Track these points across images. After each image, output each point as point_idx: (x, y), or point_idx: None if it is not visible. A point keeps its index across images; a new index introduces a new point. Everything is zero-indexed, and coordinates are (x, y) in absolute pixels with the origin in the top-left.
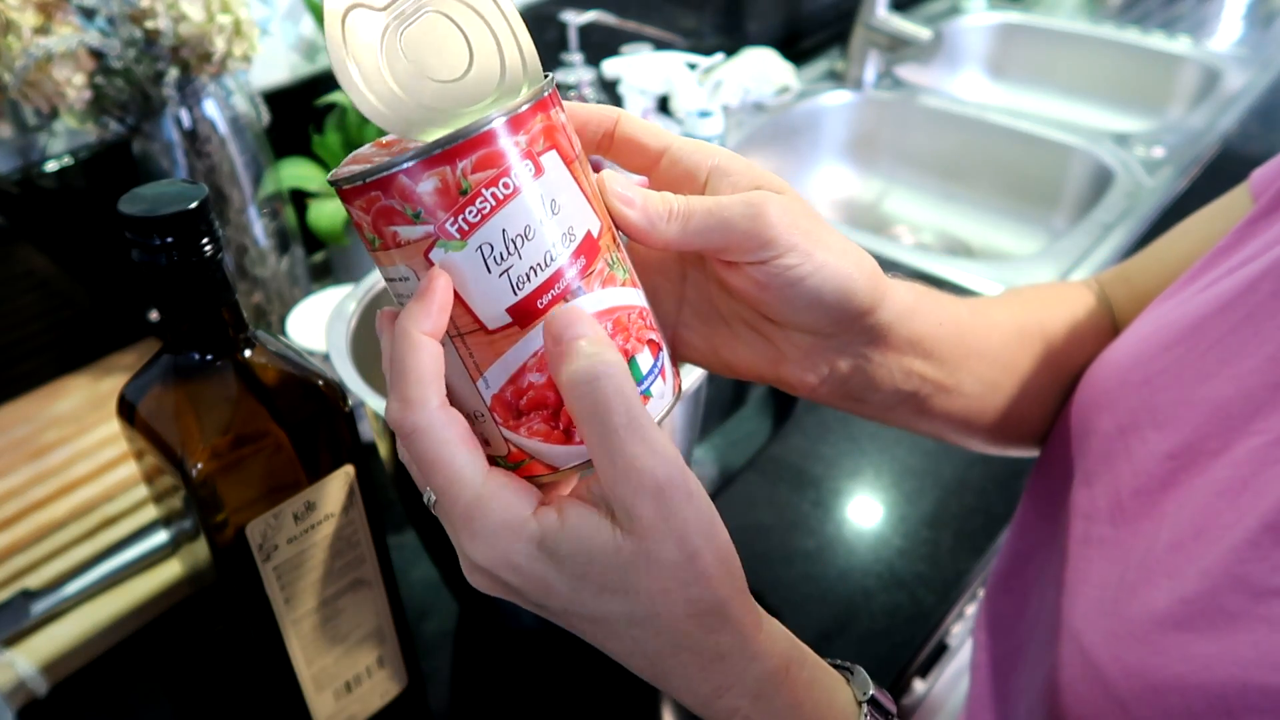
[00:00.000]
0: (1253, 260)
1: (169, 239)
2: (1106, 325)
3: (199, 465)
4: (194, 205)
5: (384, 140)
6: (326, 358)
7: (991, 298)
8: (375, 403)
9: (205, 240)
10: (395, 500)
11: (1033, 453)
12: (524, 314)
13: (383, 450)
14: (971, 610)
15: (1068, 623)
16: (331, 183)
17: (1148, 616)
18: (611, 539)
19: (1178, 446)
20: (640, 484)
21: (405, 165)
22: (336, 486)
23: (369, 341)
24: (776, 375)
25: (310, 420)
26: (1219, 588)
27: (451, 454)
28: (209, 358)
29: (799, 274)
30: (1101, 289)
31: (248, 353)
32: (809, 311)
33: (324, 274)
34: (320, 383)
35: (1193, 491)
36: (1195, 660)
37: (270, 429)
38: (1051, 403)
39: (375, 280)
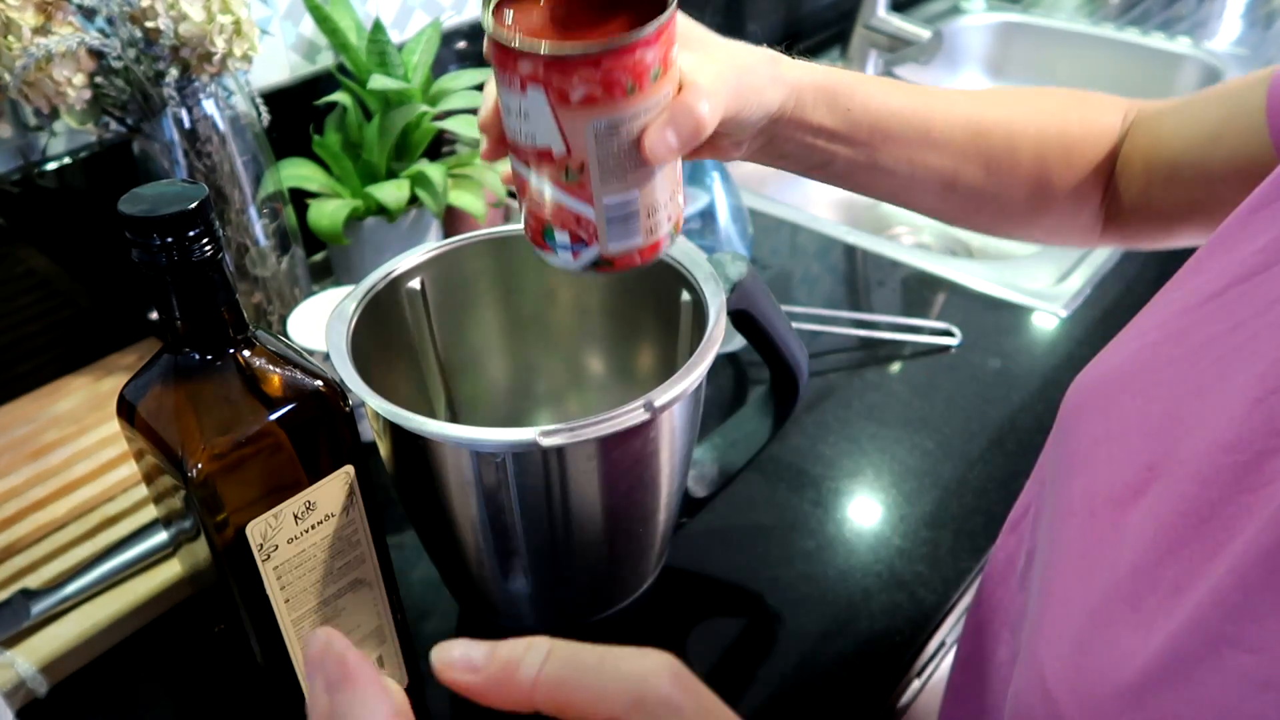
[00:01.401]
0: (1268, 267)
1: (169, 239)
2: (1101, 147)
3: (199, 465)
4: (194, 205)
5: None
6: (327, 358)
7: (972, 92)
8: (375, 403)
9: (205, 240)
10: (395, 500)
11: (1037, 237)
12: None
13: (383, 450)
14: None
15: (1034, 650)
16: (650, 32)
17: (1110, 660)
18: None
19: (1158, 456)
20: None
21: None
22: (336, 486)
23: (369, 341)
24: (699, 156)
25: (310, 420)
26: (1181, 634)
27: None
28: (209, 358)
29: (733, 119)
30: (1131, 118)
31: (247, 353)
32: (738, 131)
33: (324, 274)
34: (320, 383)
35: (1158, 504)
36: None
37: (270, 429)
38: (1032, 197)
39: (375, 280)
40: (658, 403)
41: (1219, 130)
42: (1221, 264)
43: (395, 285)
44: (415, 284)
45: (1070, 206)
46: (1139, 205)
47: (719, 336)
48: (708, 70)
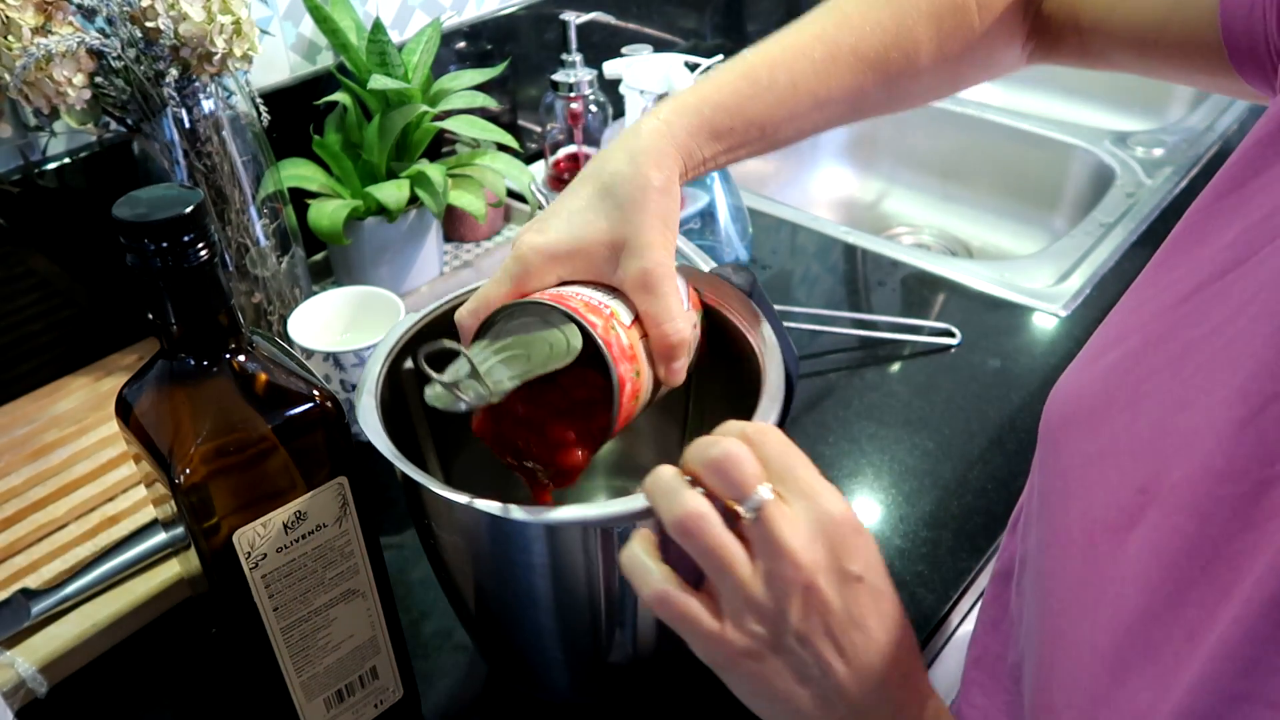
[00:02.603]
0: (1239, 264)
1: (163, 244)
2: (1000, 8)
3: (186, 471)
4: (188, 210)
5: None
6: (328, 358)
7: (852, 12)
8: (443, 491)
9: (200, 245)
10: (393, 502)
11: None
12: None
13: (419, 526)
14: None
15: (1048, 698)
16: (615, 394)
17: (1130, 715)
18: None
19: (1149, 478)
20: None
21: None
22: (329, 497)
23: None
24: None
25: (304, 427)
26: (1199, 689)
27: None
28: (204, 363)
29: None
30: None
31: (242, 358)
32: None
33: (324, 274)
34: (315, 390)
35: (1157, 536)
36: None
37: (262, 436)
38: (943, 81)
39: (391, 344)
40: None
41: (1163, 21)
42: (1193, 259)
43: (395, 366)
44: (409, 364)
45: (984, 68)
46: (1072, 52)
47: (779, 399)
48: (637, 269)
